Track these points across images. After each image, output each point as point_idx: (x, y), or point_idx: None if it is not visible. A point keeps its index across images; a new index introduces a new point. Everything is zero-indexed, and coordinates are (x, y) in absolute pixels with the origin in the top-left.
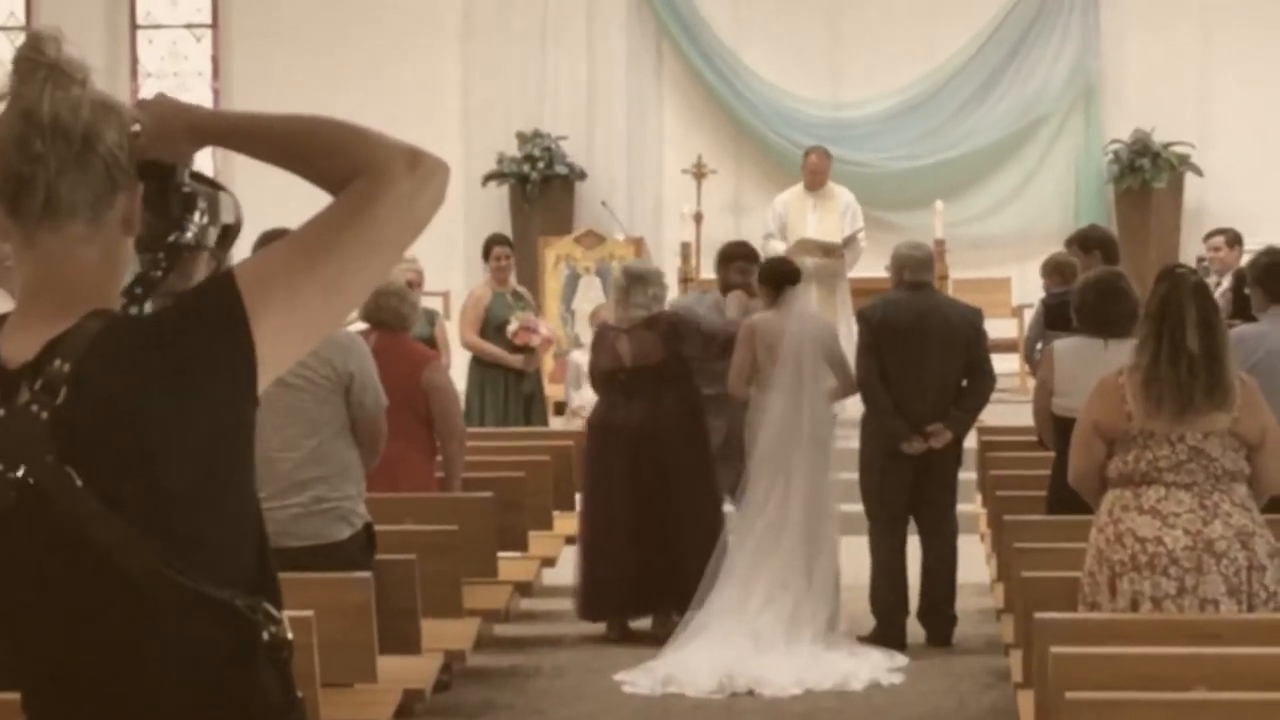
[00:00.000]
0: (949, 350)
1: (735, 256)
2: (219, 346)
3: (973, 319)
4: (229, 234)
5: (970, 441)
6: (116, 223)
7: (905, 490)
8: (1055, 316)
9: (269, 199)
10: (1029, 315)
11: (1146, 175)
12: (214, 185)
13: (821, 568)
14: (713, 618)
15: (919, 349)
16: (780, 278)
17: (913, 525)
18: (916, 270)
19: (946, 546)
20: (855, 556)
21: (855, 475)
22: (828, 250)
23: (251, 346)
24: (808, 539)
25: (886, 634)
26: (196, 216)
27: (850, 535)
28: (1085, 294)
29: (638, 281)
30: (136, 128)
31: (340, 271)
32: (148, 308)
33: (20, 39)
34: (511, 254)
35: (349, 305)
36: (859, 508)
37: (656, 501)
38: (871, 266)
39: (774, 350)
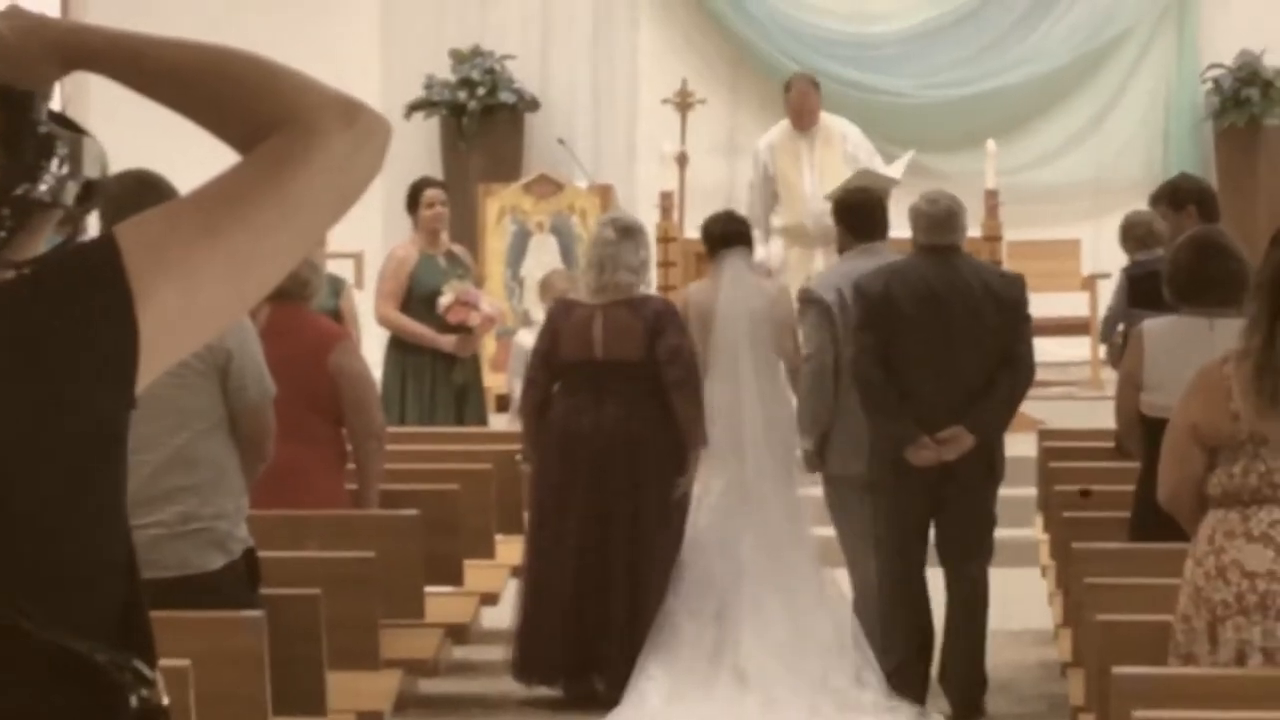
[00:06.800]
0: (975, 335)
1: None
2: (93, 330)
3: (1012, 292)
4: (91, 191)
5: (1028, 448)
6: None
7: (921, 513)
8: (1141, 291)
9: (137, 144)
10: (1105, 288)
11: (1255, 109)
12: (75, 129)
13: (807, 596)
14: (674, 661)
15: (933, 333)
16: (713, 239)
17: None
18: (931, 231)
19: (975, 592)
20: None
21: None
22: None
23: (134, 333)
24: (777, 565)
25: (899, 690)
26: (54, 165)
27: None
28: (1179, 257)
29: (629, 237)
30: None
31: (251, 247)
32: None
33: None
34: (446, 201)
35: (258, 290)
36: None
37: (623, 533)
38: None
39: (708, 329)
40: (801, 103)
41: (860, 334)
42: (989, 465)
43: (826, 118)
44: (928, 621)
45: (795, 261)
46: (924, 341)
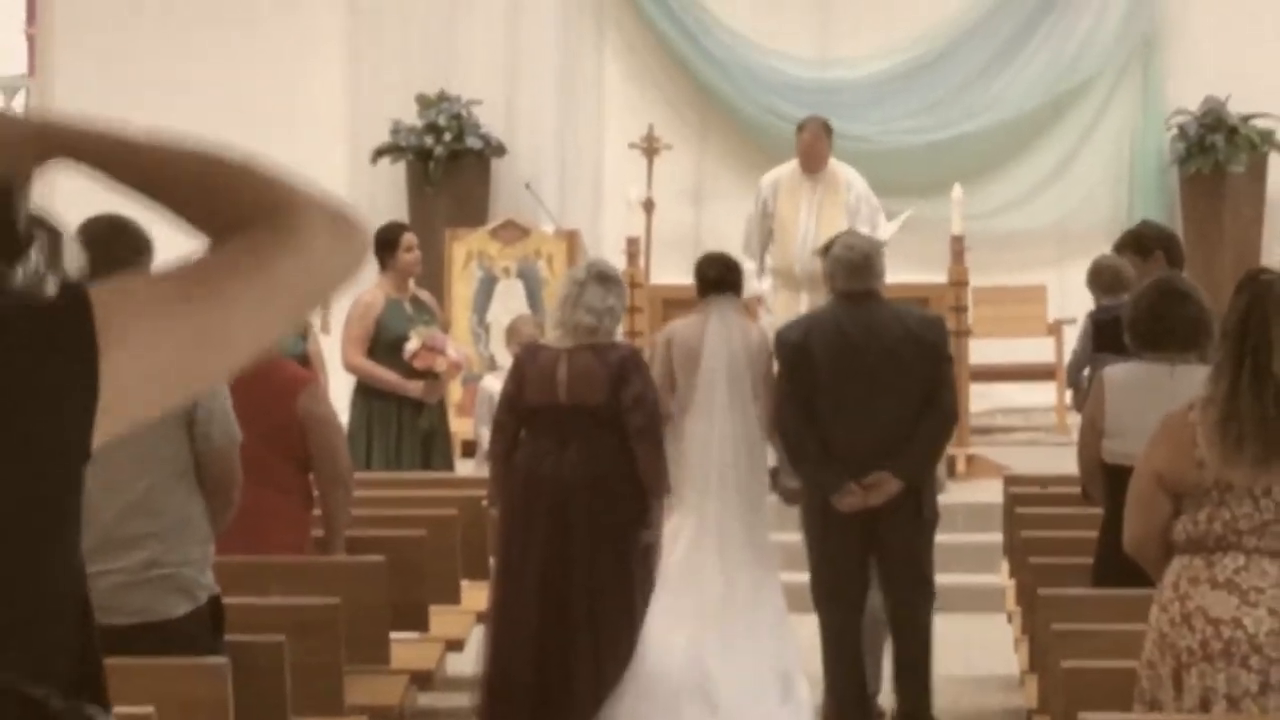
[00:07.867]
0: (895, 379)
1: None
2: (54, 377)
3: (931, 335)
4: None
5: (994, 494)
6: None
7: (853, 556)
8: (1106, 336)
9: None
10: (1071, 333)
11: (1220, 156)
12: (53, 228)
13: (767, 635)
14: (644, 696)
15: (853, 379)
16: (706, 282)
17: None
18: (849, 277)
19: (916, 634)
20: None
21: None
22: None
23: (95, 391)
24: (744, 604)
25: None
26: (33, 257)
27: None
28: (1141, 303)
29: (599, 281)
30: None
31: (224, 324)
32: None
33: None
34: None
35: (220, 370)
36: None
37: (583, 578)
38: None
39: (692, 367)
40: (812, 145)
41: (780, 383)
42: (917, 508)
43: (835, 165)
44: (862, 663)
45: (782, 305)
46: (844, 387)
